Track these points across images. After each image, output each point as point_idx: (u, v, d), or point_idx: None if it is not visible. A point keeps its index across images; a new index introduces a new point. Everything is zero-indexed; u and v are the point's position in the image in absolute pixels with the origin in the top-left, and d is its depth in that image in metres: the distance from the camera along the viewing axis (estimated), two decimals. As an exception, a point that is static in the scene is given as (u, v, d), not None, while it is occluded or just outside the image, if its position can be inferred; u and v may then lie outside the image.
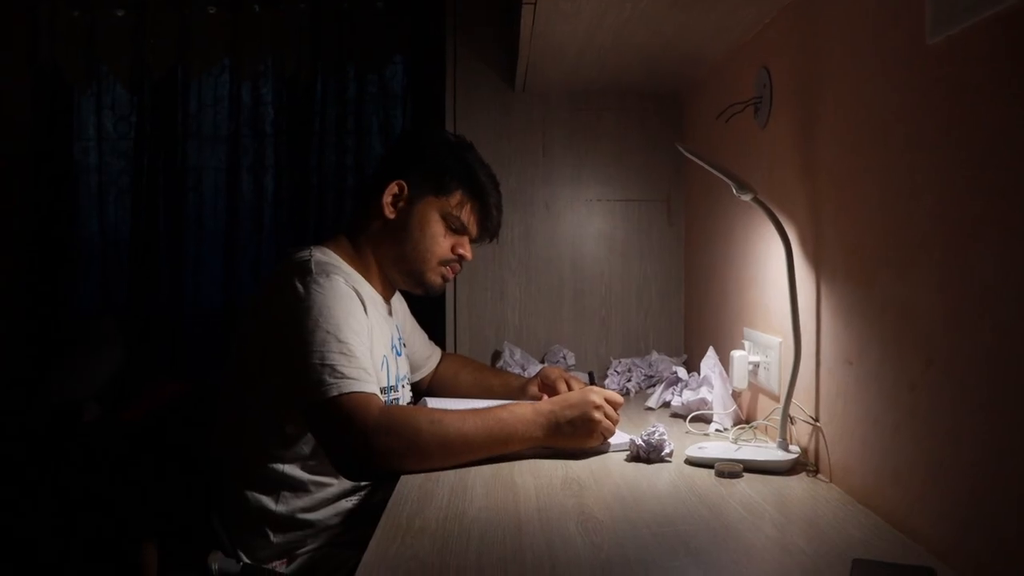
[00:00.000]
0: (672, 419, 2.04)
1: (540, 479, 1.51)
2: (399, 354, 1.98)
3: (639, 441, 1.63)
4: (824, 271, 1.54)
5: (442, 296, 2.64)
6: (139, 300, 3.52)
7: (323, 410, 1.55)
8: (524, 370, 2.45)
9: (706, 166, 1.58)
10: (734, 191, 1.57)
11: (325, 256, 1.80)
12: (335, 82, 3.51)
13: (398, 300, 2.15)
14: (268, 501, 1.70)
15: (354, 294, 1.71)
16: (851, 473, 1.42)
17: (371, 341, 1.74)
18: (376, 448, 1.52)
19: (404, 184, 1.87)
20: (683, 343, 2.69)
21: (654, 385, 2.41)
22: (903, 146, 1.25)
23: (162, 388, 2.94)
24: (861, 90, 1.39)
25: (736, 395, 1.98)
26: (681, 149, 1.61)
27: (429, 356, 2.26)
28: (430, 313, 2.56)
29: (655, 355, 2.52)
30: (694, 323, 2.58)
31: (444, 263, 1.93)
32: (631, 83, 2.54)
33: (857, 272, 1.40)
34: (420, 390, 2.23)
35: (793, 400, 1.58)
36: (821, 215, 1.55)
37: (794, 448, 1.59)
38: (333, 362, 1.57)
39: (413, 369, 2.21)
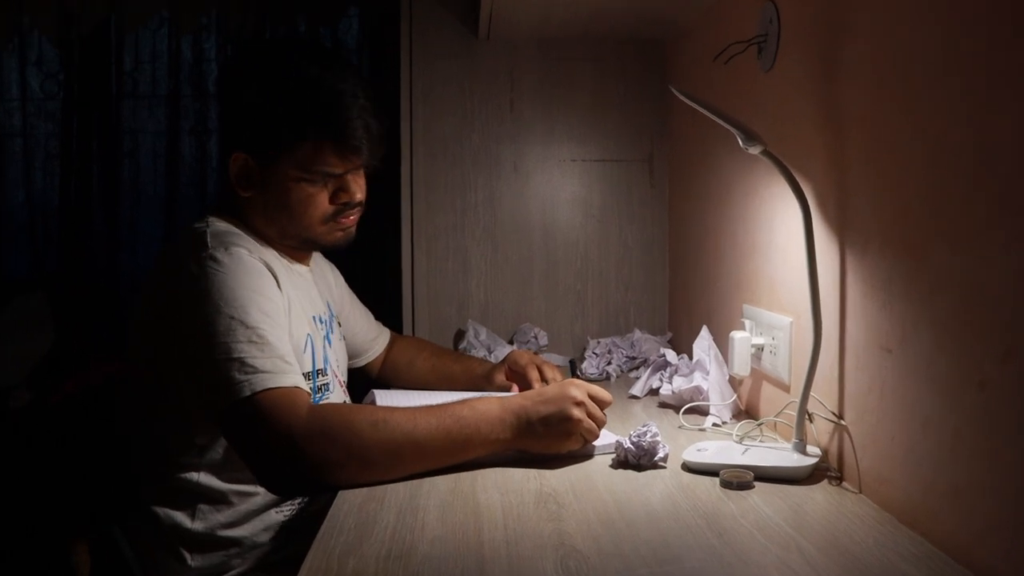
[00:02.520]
0: (661, 409, 1.78)
1: (509, 495, 1.24)
2: (330, 332, 1.69)
3: (627, 444, 1.36)
4: (851, 239, 1.27)
5: (396, 268, 2.36)
6: (72, 273, 3.24)
7: (237, 414, 1.28)
8: (491, 353, 2.18)
9: (708, 113, 1.31)
10: (740, 143, 1.30)
11: (226, 225, 1.51)
12: (284, 36, 3.23)
13: (329, 270, 1.88)
14: (183, 517, 1.43)
15: (263, 267, 1.43)
16: (888, 484, 1.16)
17: (289, 320, 1.47)
18: (307, 457, 1.25)
19: (245, 156, 1.50)
20: (667, 320, 2.43)
21: (637, 368, 2.15)
22: (966, 87, 0.98)
23: (96, 369, 2.69)
24: (903, 15, 1.11)
25: (735, 383, 1.71)
26: (676, 92, 1.34)
27: (375, 338, 1.99)
28: (381, 287, 2.28)
29: (637, 334, 2.25)
30: (680, 299, 2.32)
31: (332, 219, 1.57)
32: (610, 28, 2.27)
33: (899, 241, 1.13)
34: (369, 379, 1.96)
35: (812, 393, 1.32)
36: (846, 172, 1.28)
37: (813, 450, 1.33)
38: (242, 354, 1.29)
39: (354, 353, 1.94)
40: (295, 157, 1.47)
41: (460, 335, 2.33)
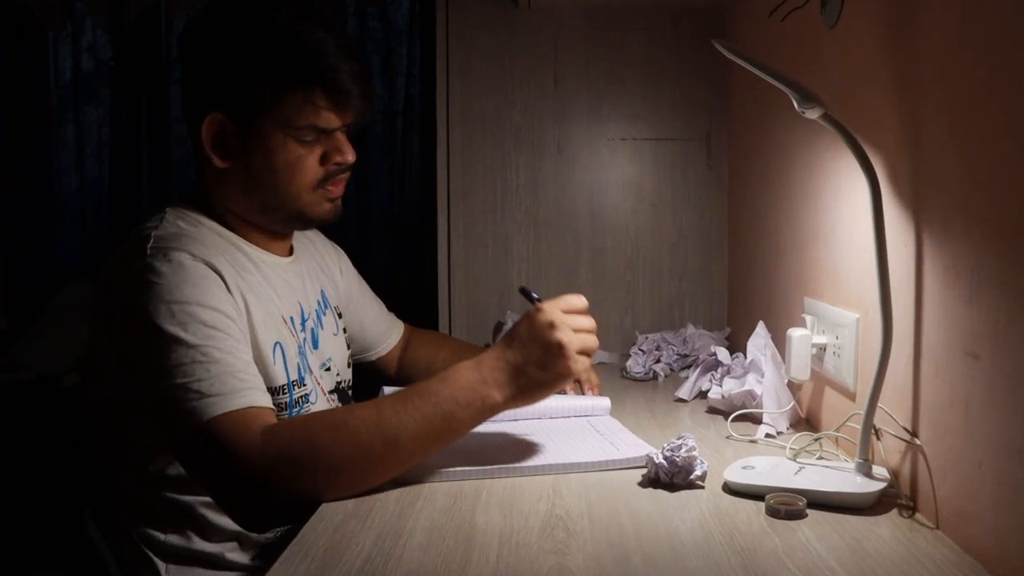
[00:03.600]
0: (709, 415, 1.58)
1: (512, 518, 1.05)
2: (319, 328, 1.51)
3: (659, 458, 1.16)
4: (929, 217, 1.05)
5: (431, 255, 2.20)
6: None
7: (191, 445, 1.13)
8: (529, 347, 2.00)
9: (758, 71, 1.11)
10: (796, 105, 1.09)
11: (179, 220, 1.34)
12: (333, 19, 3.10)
13: (332, 254, 1.69)
14: (153, 530, 1.28)
15: (207, 270, 1.24)
16: (973, 521, 0.95)
17: (252, 328, 1.29)
18: (268, 485, 1.10)
19: (220, 117, 1.31)
20: (725, 315, 2.22)
21: (689, 367, 1.94)
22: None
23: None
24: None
25: (794, 387, 1.50)
26: (719, 47, 1.14)
27: (385, 330, 1.80)
28: (414, 275, 2.11)
29: (691, 329, 2.04)
30: (740, 291, 2.11)
31: (321, 185, 1.38)
32: None
33: (988, 220, 0.92)
34: (384, 378, 1.78)
35: (880, 404, 1.11)
36: (922, 139, 1.07)
37: (880, 472, 1.11)
38: (187, 378, 1.13)
39: (363, 348, 1.75)
40: (282, 112, 1.30)
41: (499, 327, 2.16)
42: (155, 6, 3.10)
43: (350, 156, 1.37)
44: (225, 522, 1.28)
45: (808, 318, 1.46)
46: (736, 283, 2.15)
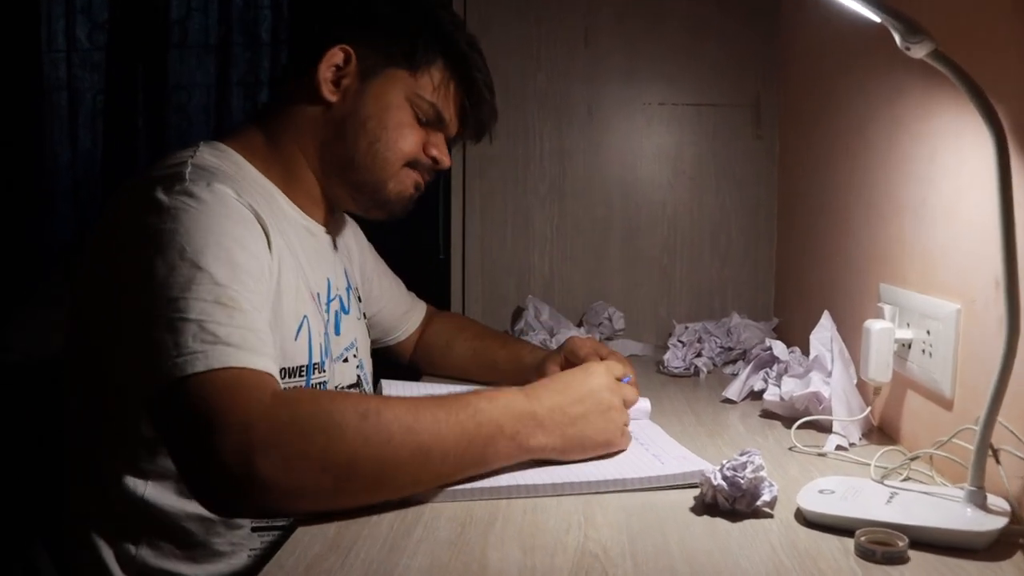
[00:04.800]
0: (764, 420, 1.35)
1: (535, 554, 0.83)
2: (344, 311, 1.31)
3: (717, 479, 0.94)
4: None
5: (444, 231, 1.98)
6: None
7: (180, 393, 0.89)
8: (552, 337, 1.78)
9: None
10: (898, 41, 0.86)
11: (215, 156, 1.15)
12: None
13: (350, 228, 1.50)
14: (127, 547, 1.07)
15: (249, 213, 1.05)
16: None
17: (280, 295, 1.10)
18: (269, 455, 0.85)
19: (351, 51, 1.22)
20: (772, 303, 1.99)
21: (734, 362, 1.72)
22: None
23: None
24: None
25: (868, 391, 1.27)
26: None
27: (406, 312, 1.61)
28: (423, 256, 1.89)
29: (736, 319, 1.81)
30: (791, 276, 1.87)
31: (412, 166, 1.28)
32: None
33: None
34: (396, 364, 1.57)
35: (998, 418, 0.87)
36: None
37: (999, 504, 0.88)
38: (203, 316, 0.91)
39: (380, 334, 1.57)
40: (415, 77, 1.25)
41: (518, 314, 1.93)
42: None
43: (446, 160, 1.32)
44: (216, 541, 1.07)
45: (886, 308, 1.23)
46: (786, 268, 1.92)
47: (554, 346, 1.74)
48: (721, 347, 1.76)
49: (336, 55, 1.21)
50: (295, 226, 1.22)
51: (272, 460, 0.85)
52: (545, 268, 1.98)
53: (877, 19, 0.88)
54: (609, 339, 1.88)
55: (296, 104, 1.24)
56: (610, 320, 1.89)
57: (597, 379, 1.10)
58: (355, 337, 1.35)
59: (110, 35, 3.06)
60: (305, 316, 1.16)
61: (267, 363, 0.94)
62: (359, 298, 1.42)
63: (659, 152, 1.97)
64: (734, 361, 1.74)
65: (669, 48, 1.95)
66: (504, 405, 1.00)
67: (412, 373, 1.60)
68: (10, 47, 3.00)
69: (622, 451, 1.10)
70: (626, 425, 1.12)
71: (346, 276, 1.37)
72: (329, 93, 1.21)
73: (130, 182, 1.09)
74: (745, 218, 1.98)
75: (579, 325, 1.91)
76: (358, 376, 1.33)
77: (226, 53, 3.02)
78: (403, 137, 1.25)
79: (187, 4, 3.05)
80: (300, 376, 1.14)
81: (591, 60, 1.95)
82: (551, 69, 1.95)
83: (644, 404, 1.28)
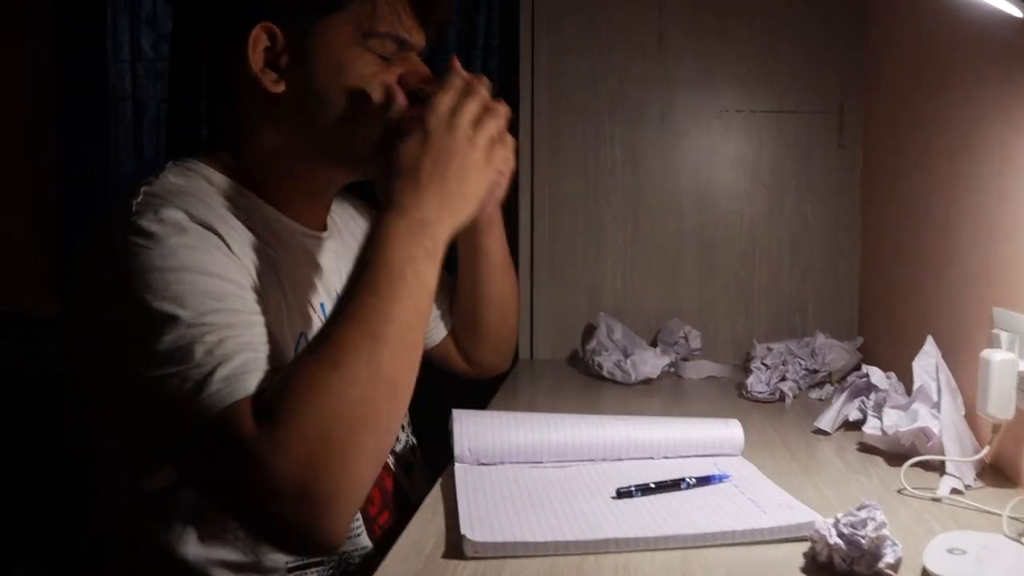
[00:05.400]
0: (863, 454, 1.24)
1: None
2: None
3: (833, 536, 0.84)
4: None
5: (511, 246, 1.89)
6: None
7: (195, 455, 0.82)
8: (626, 358, 1.69)
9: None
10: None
11: (181, 176, 1.04)
12: None
13: (361, 224, 1.36)
14: None
15: (204, 231, 0.94)
16: None
17: (268, 313, 0.97)
18: (284, 464, 0.78)
19: (273, 27, 1.03)
20: (856, 321, 1.87)
21: (820, 385, 1.61)
22: None
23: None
24: None
25: (981, 426, 1.15)
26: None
27: (441, 313, 1.46)
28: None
29: (821, 339, 1.70)
30: (877, 293, 1.76)
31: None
32: None
33: None
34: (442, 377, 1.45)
35: None
36: None
37: None
38: (183, 364, 0.83)
39: None
40: (354, 13, 1.04)
41: (589, 332, 1.84)
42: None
43: (431, 84, 1.06)
44: None
45: (1003, 335, 1.13)
46: (872, 284, 1.80)
47: (630, 368, 1.66)
48: (806, 369, 1.65)
49: (260, 37, 1.02)
50: (284, 236, 1.10)
51: (289, 467, 0.78)
52: (617, 283, 1.88)
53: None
54: (685, 359, 1.79)
55: (239, 115, 1.07)
56: (686, 339, 1.79)
57: (429, 114, 0.97)
58: None
59: (173, 45, 3.04)
60: (303, 334, 1.07)
61: (257, 377, 0.85)
62: None
63: (736, 161, 1.87)
64: (820, 384, 1.63)
65: (746, 51, 1.85)
66: (380, 238, 0.91)
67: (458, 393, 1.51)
68: (79, 58, 2.99)
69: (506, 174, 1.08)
70: (497, 140, 1.00)
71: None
72: (272, 84, 1.03)
73: (95, 220, 1.01)
74: (827, 231, 1.87)
75: (653, 344, 1.81)
76: None
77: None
78: (373, 90, 1.05)
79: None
80: None
81: (665, 64, 1.85)
82: (623, 73, 1.86)
83: (734, 433, 1.18)
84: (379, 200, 0.97)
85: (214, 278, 0.89)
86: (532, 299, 1.89)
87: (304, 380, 0.82)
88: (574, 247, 1.88)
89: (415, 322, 0.89)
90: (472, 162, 0.97)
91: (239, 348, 0.85)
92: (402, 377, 0.87)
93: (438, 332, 1.45)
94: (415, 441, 1.31)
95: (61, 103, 2.98)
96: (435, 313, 1.44)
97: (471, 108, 0.98)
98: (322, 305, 1.12)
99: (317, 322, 1.09)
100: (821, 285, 1.88)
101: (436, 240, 0.93)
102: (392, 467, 1.18)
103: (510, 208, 1.90)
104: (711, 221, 1.88)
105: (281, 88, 1.04)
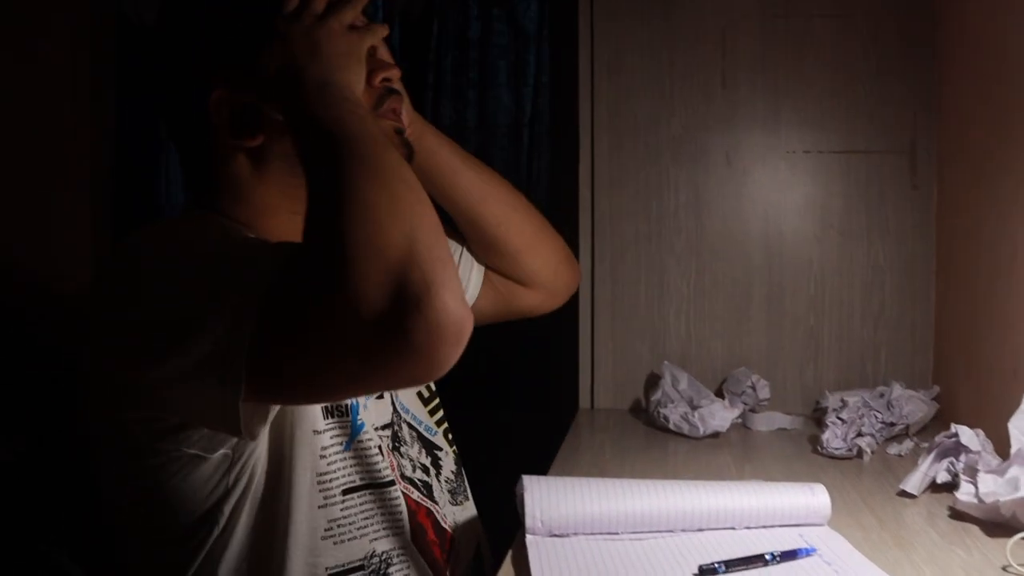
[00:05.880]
0: (957, 523, 1.16)
1: None
2: None
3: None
4: None
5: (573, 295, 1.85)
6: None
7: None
8: (694, 408, 1.62)
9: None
10: None
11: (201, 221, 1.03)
12: (454, 21, 2.83)
13: None
14: None
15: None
16: None
17: None
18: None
19: (223, 93, 0.99)
20: (930, 369, 1.80)
21: (897, 440, 1.54)
22: None
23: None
24: None
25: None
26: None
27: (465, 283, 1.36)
28: (545, 317, 1.77)
29: (897, 390, 1.63)
30: (955, 340, 1.69)
31: (376, 111, 1.05)
32: None
33: None
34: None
35: None
36: None
37: None
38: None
39: None
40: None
41: (653, 381, 1.78)
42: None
43: (394, 70, 1.07)
44: None
45: (1112, 398, 1.05)
46: (949, 332, 1.73)
47: (697, 422, 1.59)
48: (882, 422, 1.57)
49: (220, 102, 0.99)
50: None
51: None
52: (681, 330, 1.82)
53: None
54: (753, 410, 1.72)
55: (228, 178, 1.03)
56: (753, 389, 1.72)
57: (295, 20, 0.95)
58: None
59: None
60: None
61: None
62: None
63: (805, 204, 1.81)
64: (897, 438, 1.55)
65: (814, 90, 1.79)
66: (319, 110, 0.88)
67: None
68: (136, 100, 3.02)
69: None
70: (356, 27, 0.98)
71: None
72: (249, 140, 1.00)
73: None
74: (900, 276, 1.80)
75: (719, 394, 1.74)
76: (392, 420, 1.16)
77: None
78: None
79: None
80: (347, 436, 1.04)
81: (729, 104, 1.80)
82: (686, 114, 1.81)
83: (821, 501, 1.11)
84: None
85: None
86: (593, 347, 1.84)
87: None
88: (636, 293, 1.83)
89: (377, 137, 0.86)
90: (332, 38, 0.94)
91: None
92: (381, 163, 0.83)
93: (475, 272, 1.36)
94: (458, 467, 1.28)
95: (119, 143, 3.00)
96: (459, 258, 1.35)
97: (316, 4, 0.96)
98: None
99: None
100: (894, 332, 1.80)
101: (344, 90, 0.91)
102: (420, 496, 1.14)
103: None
104: (778, 266, 1.81)
105: (260, 140, 1.00)
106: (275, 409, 0.88)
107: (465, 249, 1.35)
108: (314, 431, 1.01)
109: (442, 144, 1.27)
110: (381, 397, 1.15)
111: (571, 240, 1.83)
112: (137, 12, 2.76)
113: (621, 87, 1.81)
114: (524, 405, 2.55)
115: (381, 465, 1.06)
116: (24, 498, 1.90)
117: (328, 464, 1.02)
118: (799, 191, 1.81)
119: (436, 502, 1.16)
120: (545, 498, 1.06)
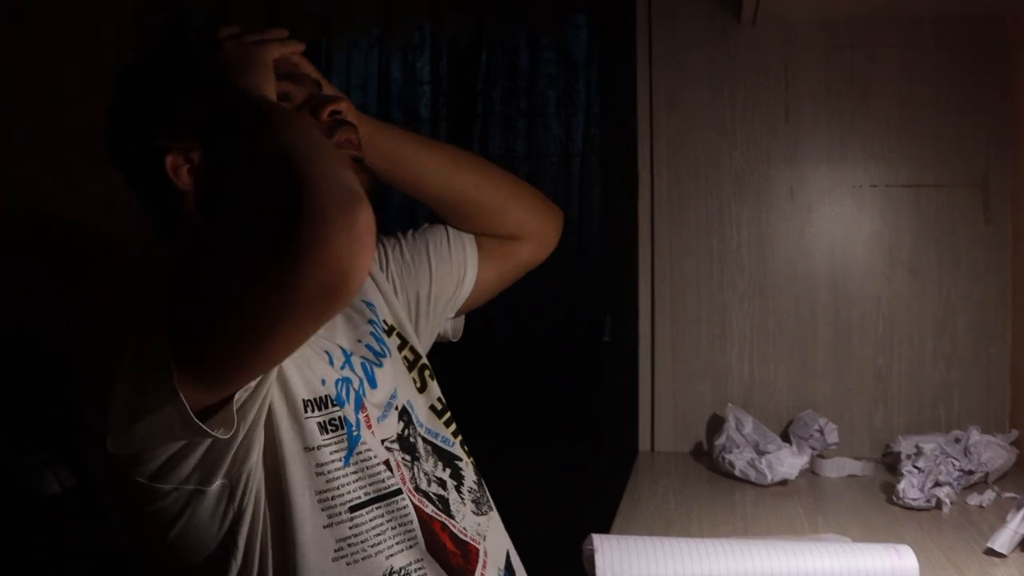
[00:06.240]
0: (1051, 586, 1.10)
1: None
2: (385, 355, 1.19)
3: None
4: None
5: (630, 331, 1.80)
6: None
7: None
8: (760, 456, 1.56)
9: None
10: None
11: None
12: (503, 51, 2.81)
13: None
14: None
15: None
16: None
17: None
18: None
19: (175, 155, 1.03)
20: (1007, 412, 1.72)
21: (976, 489, 1.46)
22: None
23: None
24: None
25: None
26: None
27: (457, 265, 1.37)
28: (599, 356, 1.72)
29: (975, 435, 1.55)
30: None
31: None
32: (926, 2, 1.65)
33: None
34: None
35: None
36: None
37: None
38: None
39: (446, 320, 1.40)
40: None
41: (716, 424, 1.72)
42: (316, 43, 2.87)
43: (342, 103, 1.11)
44: None
45: None
46: (1027, 371, 1.65)
47: (765, 468, 1.53)
48: (960, 470, 1.50)
49: (176, 163, 1.02)
50: None
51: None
52: (744, 371, 1.76)
53: None
54: (821, 455, 1.65)
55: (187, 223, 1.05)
56: (821, 433, 1.66)
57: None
58: (395, 386, 1.18)
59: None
60: (343, 380, 1.07)
61: None
62: (399, 337, 1.26)
63: (872, 240, 1.74)
64: (976, 487, 1.48)
65: (881, 122, 1.73)
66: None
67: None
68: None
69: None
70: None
71: (369, 319, 1.21)
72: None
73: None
74: (973, 314, 1.72)
75: (785, 437, 1.68)
76: (403, 431, 1.15)
77: (385, 128, 2.97)
78: None
79: (347, 81, 3.00)
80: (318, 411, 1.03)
81: (793, 137, 1.75)
82: (748, 149, 1.75)
83: (910, 569, 1.05)
84: None
85: None
86: (653, 387, 1.78)
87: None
88: (697, 333, 1.77)
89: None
90: (237, 50, 1.02)
91: None
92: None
93: (468, 246, 1.37)
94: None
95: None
96: (449, 239, 1.36)
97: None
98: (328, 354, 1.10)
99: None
100: (967, 373, 1.73)
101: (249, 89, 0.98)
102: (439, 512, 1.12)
103: (630, 290, 1.81)
104: (845, 304, 1.75)
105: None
106: (248, 401, 0.90)
107: (449, 228, 1.37)
108: (306, 448, 1.00)
109: (397, 137, 1.29)
110: (386, 415, 1.14)
111: (630, 277, 1.79)
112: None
113: (681, 121, 1.76)
114: (573, 439, 2.50)
115: (385, 476, 1.05)
116: (69, 531, 1.89)
117: (328, 481, 1.00)
118: (866, 227, 1.74)
119: (453, 516, 1.13)
120: (618, 560, 1.01)
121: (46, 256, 2.30)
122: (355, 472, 1.03)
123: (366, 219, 0.78)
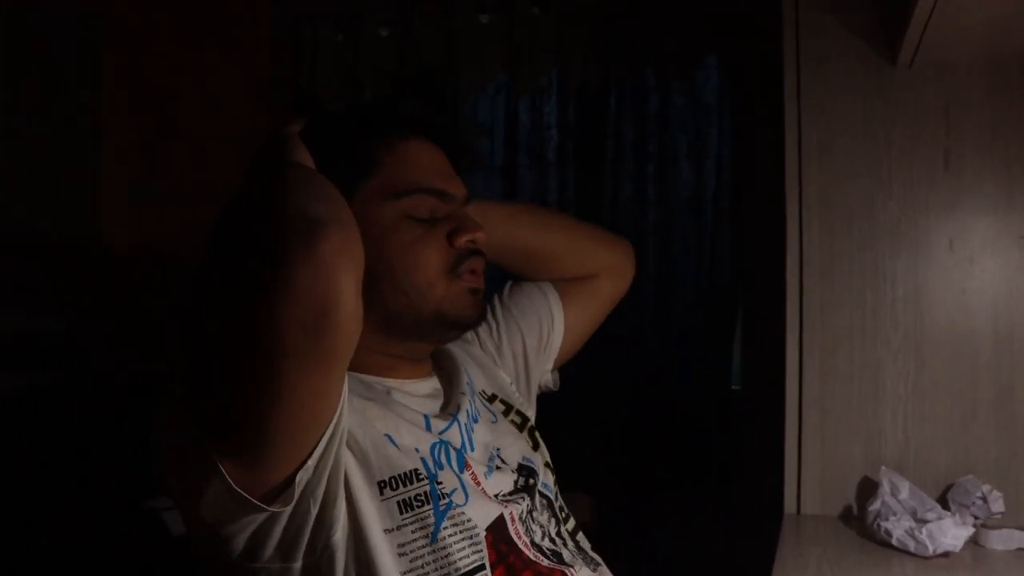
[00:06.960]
0: None
1: None
2: (475, 420, 1.16)
3: None
4: None
5: (776, 389, 1.71)
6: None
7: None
8: (918, 519, 1.46)
9: None
10: None
11: None
12: (632, 94, 2.79)
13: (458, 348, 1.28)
14: None
15: None
16: None
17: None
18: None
19: None
20: None
21: None
22: None
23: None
24: None
25: None
26: None
27: (544, 315, 1.37)
28: (707, 384, 1.66)
29: None
30: None
31: (455, 272, 1.09)
32: None
33: None
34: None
35: None
36: None
37: None
38: None
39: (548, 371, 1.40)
40: (383, 175, 1.08)
41: (866, 487, 1.63)
42: (443, 88, 2.90)
43: (480, 232, 1.10)
44: None
45: None
46: None
47: (925, 539, 1.43)
48: None
49: None
50: (378, 390, 1.09)
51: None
52: (898, 433, 1.65)
53: None
54: (985, 525, 1.54)
55: None
56: (984, 500, 1.54)
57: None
58: (497, 439, 1.16)
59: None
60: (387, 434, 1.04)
61: None
62: (502, 403, 1.25)
63: (1041, 294, 1.63)
64: None
65: (1051, 167, 1.63)
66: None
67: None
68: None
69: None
70: None
71: (476, 396, 1.20)
72: None
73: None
74: None
75: (943, 504, 1.57)
76: (516, 480, 1.13)
77: (512, 174, 2.95)
78: (421, 255, 1.07)
79: (473, 124, 3.03)
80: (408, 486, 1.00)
81: (953, 186, 1.65)
82: (905, 198, 1.66)
83: None
84: None
85: None
86: (800, 448, 1.68)
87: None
88: (848, 391, 1.67)
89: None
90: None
91: None
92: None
93: (551, 294, 1.38)
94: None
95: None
96: (529, 292, 1.38)
97: None
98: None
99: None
100: None
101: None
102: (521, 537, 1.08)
103: (776, 348, 1.73)
104: (1009, 363, 1.63)
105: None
106: (313, 478, 0.90)
107: (526, 283, 1.38)
108: (385, 530, 0.98)
109: (496, 214, 1.28)
110: (499, 468, 1.13)
111: (778, 332, 1.72)
112: (312, 88, 2.86)
113: (833, 169, 1.68)
114: (701, 488, 2.42)
115: (471, 551, 1.02)
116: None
117: (411, 561, 0.98)
118: (1034, 280, 1.63)
119: (571, 565, 1.10)
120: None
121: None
122: (443, 549, 1.00)
123: (330, 246, 0.78)
